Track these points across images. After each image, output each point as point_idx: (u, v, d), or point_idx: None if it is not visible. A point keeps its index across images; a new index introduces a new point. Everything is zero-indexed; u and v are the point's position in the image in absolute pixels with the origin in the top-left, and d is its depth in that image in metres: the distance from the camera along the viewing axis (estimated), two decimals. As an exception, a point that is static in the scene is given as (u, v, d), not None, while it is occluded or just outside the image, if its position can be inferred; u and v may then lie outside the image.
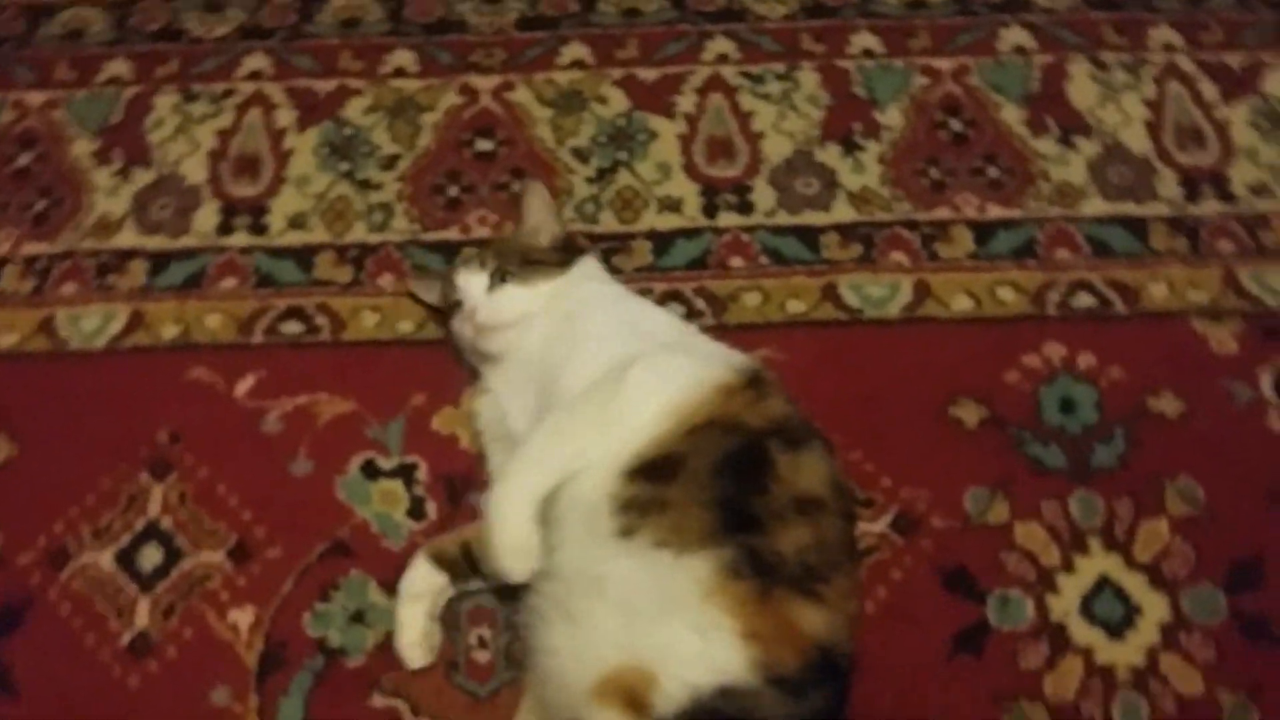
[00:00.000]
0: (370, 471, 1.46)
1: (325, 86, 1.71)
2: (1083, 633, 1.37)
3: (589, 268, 1.49)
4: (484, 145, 1.67)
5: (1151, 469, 1.45)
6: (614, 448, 1.28)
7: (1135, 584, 1.39)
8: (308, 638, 1.36)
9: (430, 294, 1.53)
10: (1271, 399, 1.50)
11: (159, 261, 1.60)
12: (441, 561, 1.37)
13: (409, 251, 1.60)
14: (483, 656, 1.37)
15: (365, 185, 1.64)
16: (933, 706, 1.33)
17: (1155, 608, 1.38)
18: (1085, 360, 1.52)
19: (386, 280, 1.58)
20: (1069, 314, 1.55)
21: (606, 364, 1.33)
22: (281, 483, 1.44)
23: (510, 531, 1.28)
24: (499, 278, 1.42)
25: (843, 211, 1.61)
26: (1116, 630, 1.37)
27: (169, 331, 1.54)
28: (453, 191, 1.64)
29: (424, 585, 1.37)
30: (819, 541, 1.24)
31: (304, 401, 1.49)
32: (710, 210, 1.61)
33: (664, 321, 1.47)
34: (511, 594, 1.36)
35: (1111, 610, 1.38)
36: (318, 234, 1.60)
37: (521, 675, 1.34)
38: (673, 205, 1.62)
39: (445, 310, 1.47)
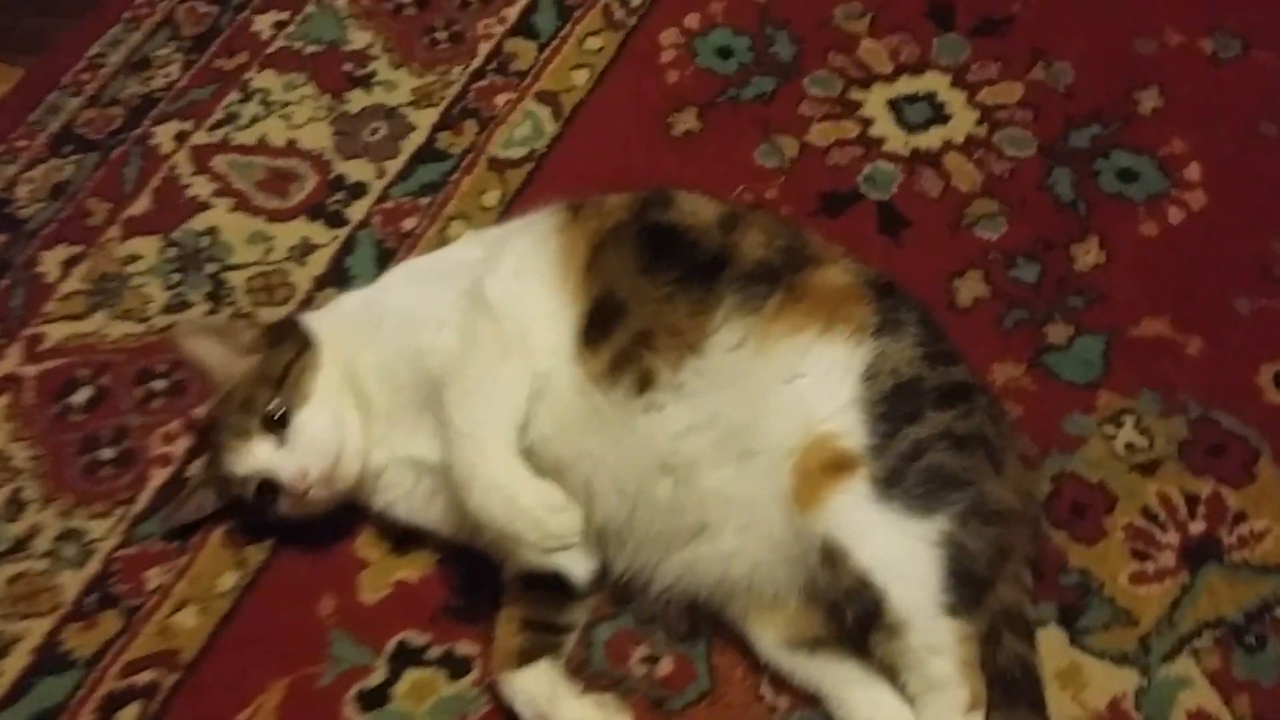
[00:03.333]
0: (372, 700, 1.09)
1: None
2: (929, 140, 1.41)
3: (322, 313, 1.21)
4: (81, 397, 1.29)
5: (814, 20, 1.53)
6: (545, 351, 1.08)
7: (907, 85, 1.46)
8: None
9: (204, 509, 1.17)
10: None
11: None
12: (524, 658, 1.07)
13: (142, 532, 1.20)
14: (666, 667, 1.09)
15: (21, 546, 1.19)
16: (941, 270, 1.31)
17: (933, 83, 1.46)
18: (690, 22, 1.54)
19: (154, 574, 1.17)
20: (643, 8, 1.56)
21: (450, 313, 1.10)
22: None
23: (526, 494, 1.02)
24: (276, 424, 1.09)
25: (423, 117, 1.47)
26: (942, 118, 1.43)
27: None
28: (107, 454, 1.25)
29: (542, 690, 1.05)
30: (768, 232, 1.14)
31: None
32: (336, 220, 1.39)
33: (453, 249, 1.26)
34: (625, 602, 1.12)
35: (920, 112, 1.43)
36: (29, 639, 1.14)
37: (719, 622, 1.09)
38: (304, 250, 1.37)
39: (250, 505, 1.12)
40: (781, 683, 1.07)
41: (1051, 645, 1.07)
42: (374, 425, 1.13)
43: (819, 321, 1.06)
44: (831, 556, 1.00)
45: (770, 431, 1.04)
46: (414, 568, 1.17)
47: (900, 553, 1.00)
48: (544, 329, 1.08)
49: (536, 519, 1.02)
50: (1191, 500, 1.15)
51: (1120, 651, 1.07)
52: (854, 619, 1.01)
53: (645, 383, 1.05)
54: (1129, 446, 1.18)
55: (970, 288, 1.29)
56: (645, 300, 1.07)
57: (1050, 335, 1.26)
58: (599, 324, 1.08)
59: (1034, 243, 1.32)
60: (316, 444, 1.09)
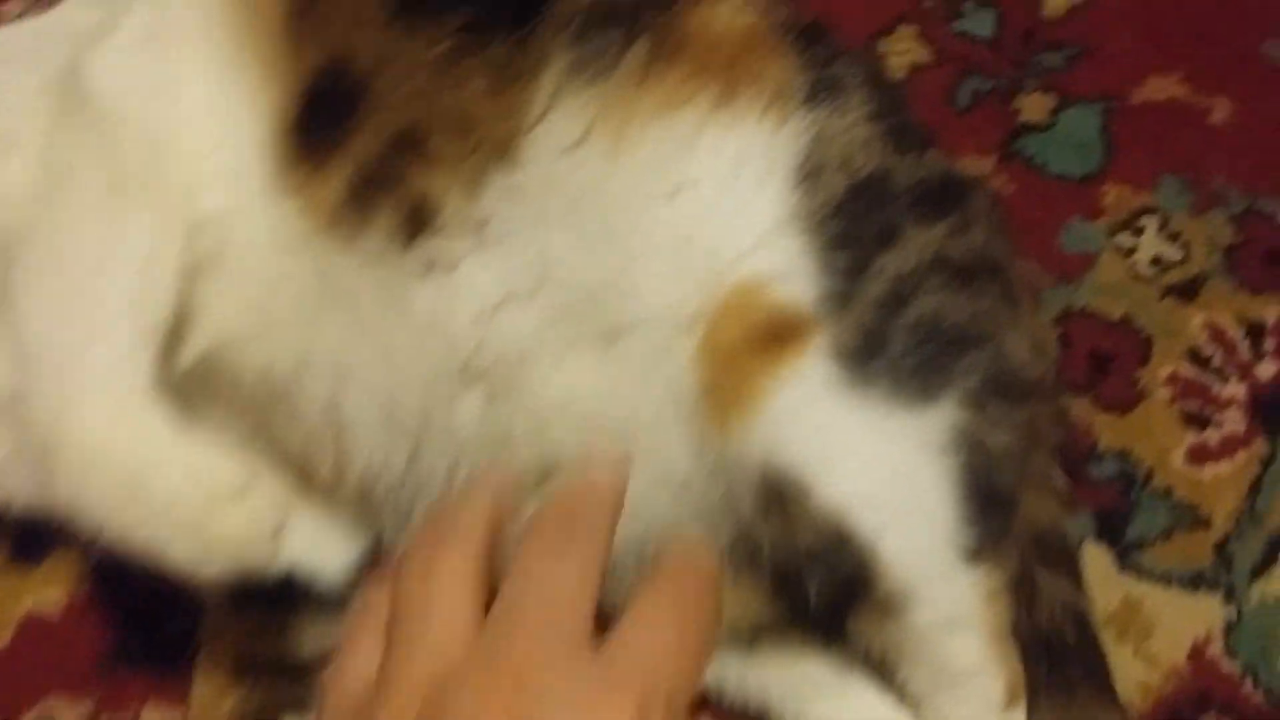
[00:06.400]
0: None
1: None
2: None
3: None
4: None
5: None
6: (212, 178, 0.57)
7: None
8: None
9: None
10: None
11: None
12: None
13: None
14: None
15: None
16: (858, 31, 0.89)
17: None
18: None
19: None
20: None
21: (25, 121, 0.57)
22: None
23: (164, 473, 0.52)
24: None
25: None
26: None
27: None
28: None
29: None
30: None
31: None
32: None
33: (58, 11, 0.70)
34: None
35: None
36: None
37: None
38: None
39: None
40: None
41: (1094, 575, 0.69)
42: None
43: (711, 86, 0.60)
44: (780, 496, 0.57)
45: (649, 287, 0.58)
46: (48, 591, 0.68)
47: (894, 474, 0.58)
48: (205, 136, 0.58)
49: (191, 519, 0.52)
50: (1254, 330, 0.78)
51: (1191, 570, 0.70)
52: (820, 596, 0.59)
53: (418, 221, 0.57)
54: (1155, 261, 0.80)
55: (903, 50, 0.88)
56: (405, 70, 0.58)
57: (1025, 111, 0.86)
58: (323, 119, 0.58)
59: (983, -16, 0.92)
60: None
